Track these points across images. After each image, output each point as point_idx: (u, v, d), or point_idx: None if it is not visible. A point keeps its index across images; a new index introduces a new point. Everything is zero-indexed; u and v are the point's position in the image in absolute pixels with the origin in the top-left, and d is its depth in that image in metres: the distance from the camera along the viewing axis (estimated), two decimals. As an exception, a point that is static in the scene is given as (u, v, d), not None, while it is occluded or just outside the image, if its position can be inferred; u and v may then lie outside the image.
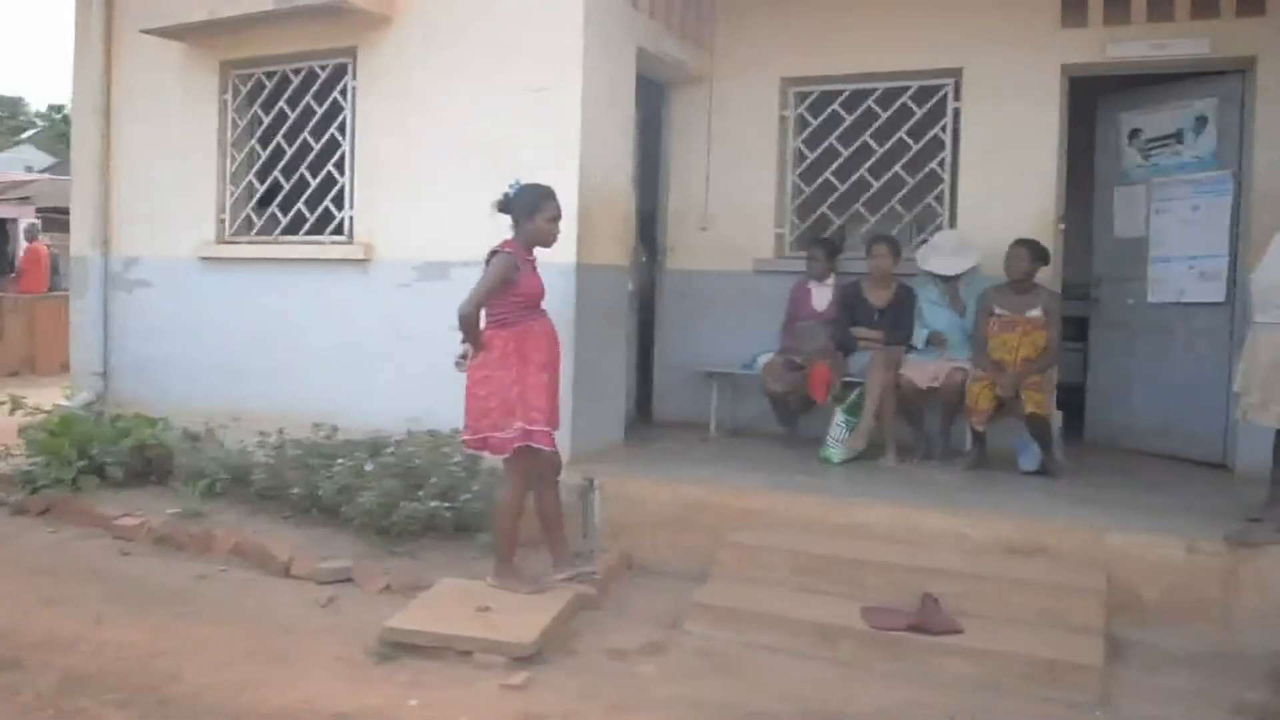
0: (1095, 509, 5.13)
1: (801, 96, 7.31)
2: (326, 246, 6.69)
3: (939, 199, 6.93)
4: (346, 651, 4.30)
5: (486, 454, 4.91)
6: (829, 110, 7.16)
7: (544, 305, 4.96)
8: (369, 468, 5.61)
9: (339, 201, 6.71)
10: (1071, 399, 7.03)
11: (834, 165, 7.17)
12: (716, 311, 7.41)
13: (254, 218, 7.21)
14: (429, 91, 6.26)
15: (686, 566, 5.17)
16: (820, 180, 7.25)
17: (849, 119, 7.08)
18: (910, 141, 6.93)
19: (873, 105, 7.01)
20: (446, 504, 5.50)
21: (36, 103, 40.68)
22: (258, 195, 7.20)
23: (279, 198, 7.06)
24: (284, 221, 6.98)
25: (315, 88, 6.80)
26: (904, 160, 6.97)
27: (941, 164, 6.90)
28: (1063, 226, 6.71)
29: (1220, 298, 6.35)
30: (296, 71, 6.87)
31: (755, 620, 4.52)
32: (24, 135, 33.43)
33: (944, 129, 6.87)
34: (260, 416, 6.54)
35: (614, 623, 4.69)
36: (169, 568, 5.40)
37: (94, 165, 7.46)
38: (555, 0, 5.83)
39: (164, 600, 4.89)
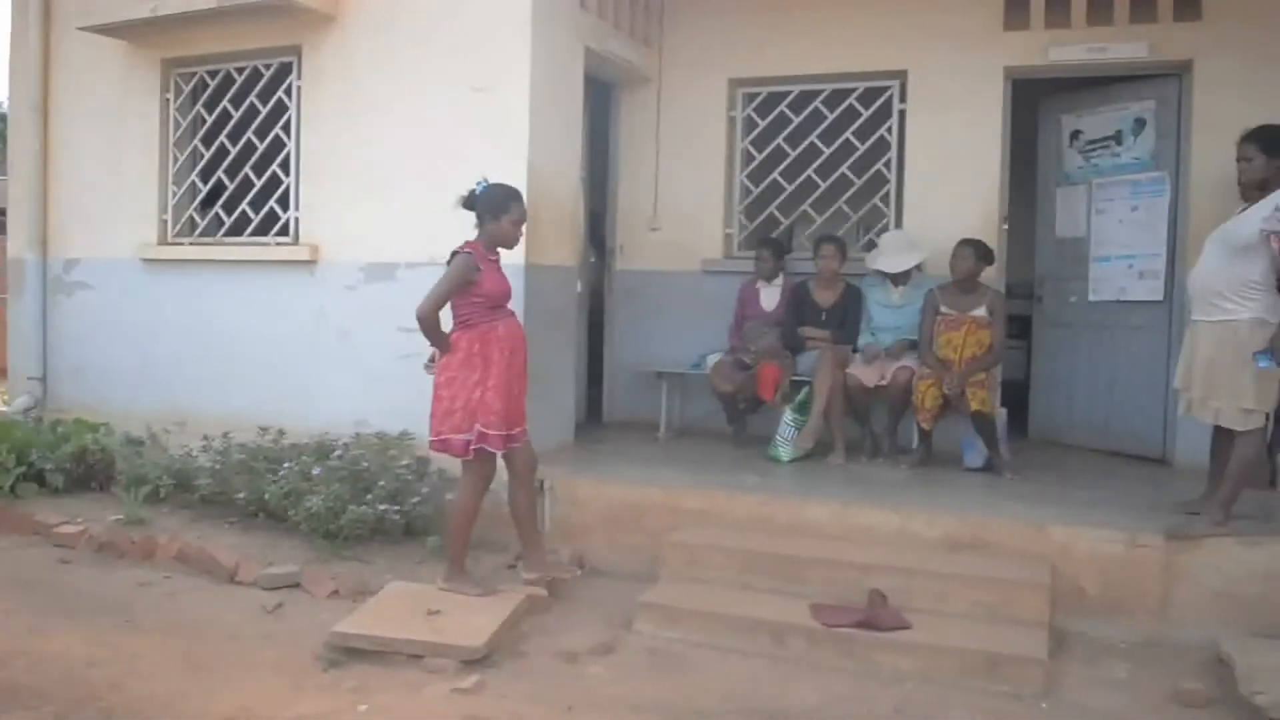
0: (1039, 504, 5.21)
1: (749, 97, 7.35)
2: (271, 248, 6.62)
3: (885, 199, 7.00)
4: (293, 658, 4.25)
5: (448, 455, 4.83)
6: (776, 111, 7.20)
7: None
8: (316, 471, 5.54)
9: (284, 202, 6.64)
10: (1016, 396, 7.13)
11: (782, 166, 7.22)
12: (666, 311, 7.43)
13: (197, 219, 7.11)
14: (375, 91, 6.21)
15: (637, 567, 5.19)
16: (768, 180, 7.30)
17: (796, 120, 7.13)
18: (857, 142, 6.99)
19: (820, 106, 7.07)
20: (395, 507, 5.46)
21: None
22: (201, 196, 7.10)
23: (223, 198, 6.97)
24: (228, 223, 6.90)
25: (259, 87, 6.72)
26: (851, 161, 7.03)
27: (888, 165, 6.97)
28: (1006, 226, 6.81)
29: (1159, 296, 6.47)
30: (240, 70, 6.79)
31: (704, 619, 4.53)
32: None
33: (890, 130, 6.94)
34: (205, 420, 6.45)
35: (564, 624, 4.68)
36: (110, 576, 5.31)
37: (31, 165, 7.33)
38: (502, -1, 5.82)
39: (105, 609, 4.80)
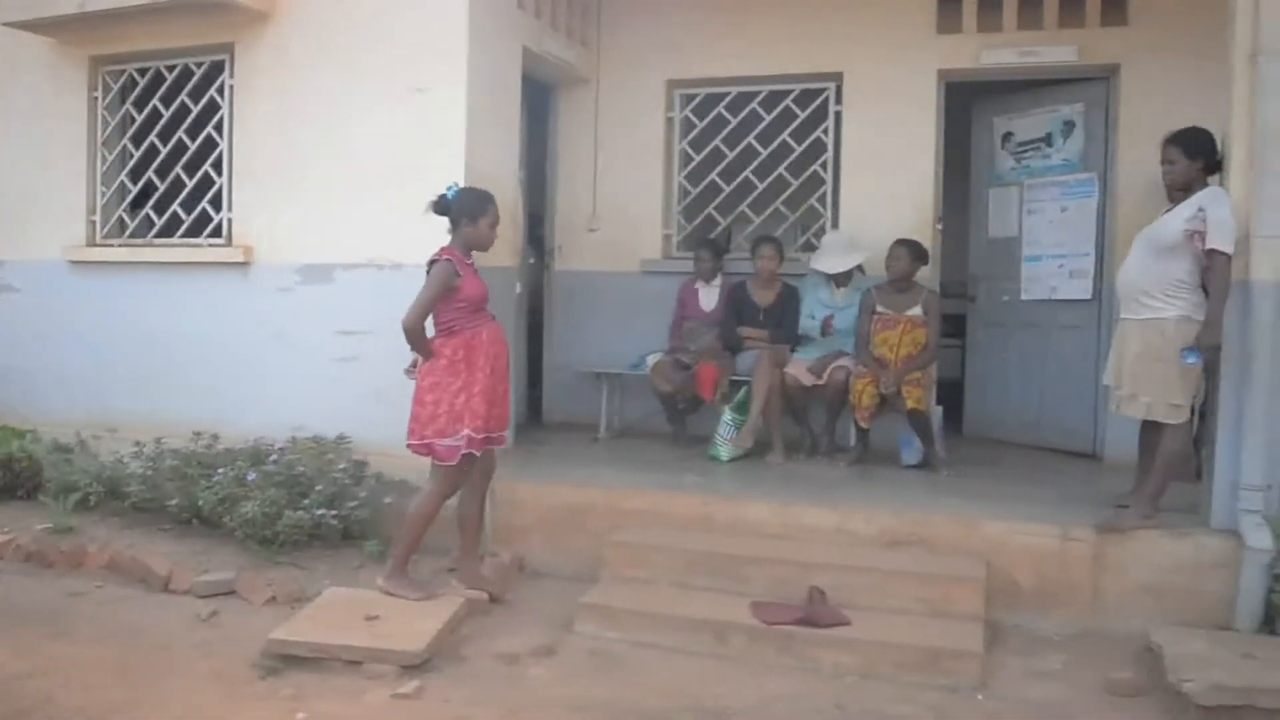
0: (974, 500, 5.29)
1: (687, 98, 7.38)
2: (204, 249, 6.50)
3: (822, 200, 7.07)
4: (229, 666, 4.18)
5: (434, 459, 4.81)
6: (714, 112, 7.24)
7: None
8: (251, 477, 5.46)
9: (216, 203, 6.53)
10: (951, 394, 7.24)
11: (720, 166, 7.26)
12: (605, 312, 7.43)
13: (127, 220, 6.96)
14: (310, 90, 6.13)
15: (578, 568, 5.18)
16: (706, 181, 7.33)
17: (734, 121, 7.17)
18: (794, 144, 7.06)
19: (757, 108, 7.12)
20: (332, 512, 5.40)
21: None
22: (131, 196, 6.94)
23: (153, 199, 6.82)
24: (159, 224, 6.75)
25: (191, 85, 6.60)
26: (788, 162, 7.10)
27: (824, 165, 7.04)
28: (940, 227, 6.91)
29: (1088, 295, 6.61)
30: (171, 68, 6.66)
31: (645, 619, 4.54)
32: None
33: (826, 131, 7.02)
34: (136, 426, 6.31)
35: (505, 626, 4.66)
36: (39, 586, 5.17)
37: (-47, 165, 7.12)
38: (439, -1, 5.78)
39: (35, 620, 4.68)
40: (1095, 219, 6.58)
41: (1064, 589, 4.74)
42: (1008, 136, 7.09)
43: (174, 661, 4.24)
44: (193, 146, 6.59)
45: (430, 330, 4.75)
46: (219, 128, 6.49)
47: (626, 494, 5.40)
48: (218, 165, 6.50)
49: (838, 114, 6.97)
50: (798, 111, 7.04)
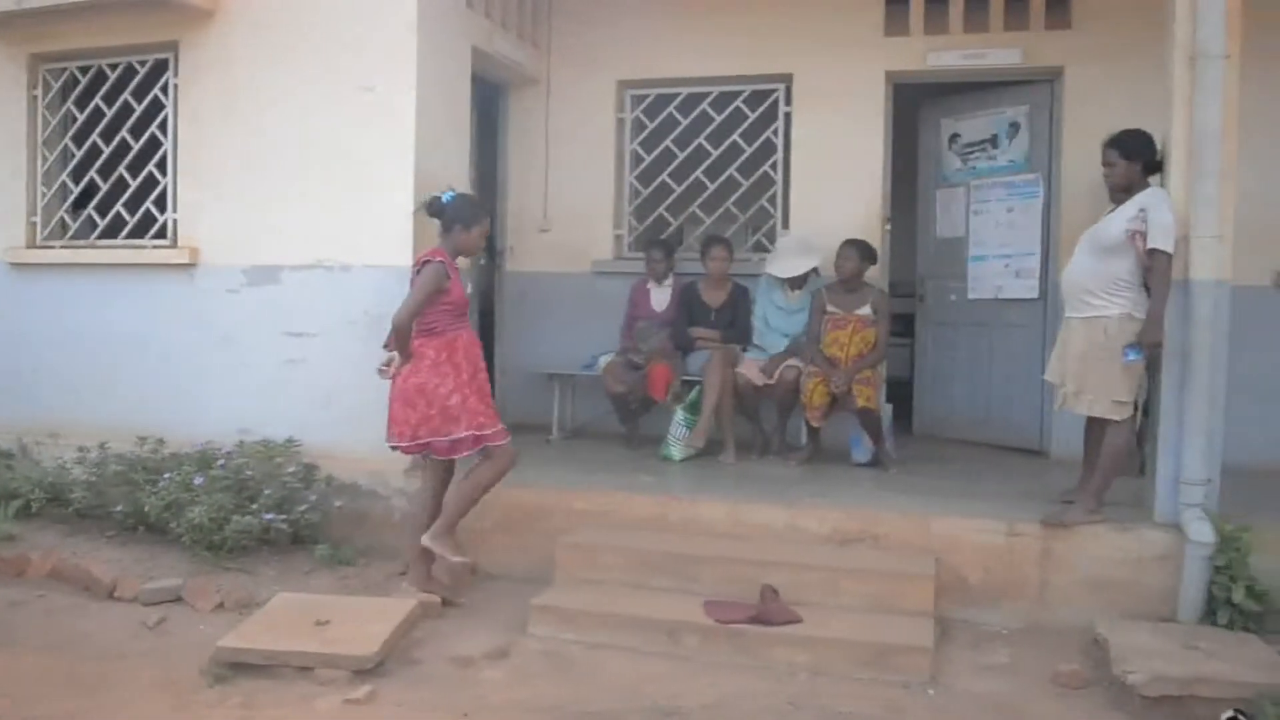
0: (923, 497, 5.35)
1: (638, 99, 7.39)
2: (148, 251, 6.40)
3: (772, 200, 7.12)
4: (177, 675, 4.12)
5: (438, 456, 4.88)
6: (665, 113, 7.26)
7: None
8: (198, 481, 5.38)
9: (161, 203, 6.42)
10: (900, 393, 7.31)
11: (670, 167, 7.28)
12: (556, 313, 7.42)
13: (69, 221, 6.83)
14: (256, 89, 6.05)
15: (531, 570, 5.16)
16: (657, 182, 7.35)
17: (684, 122, 7.19)
18: (744, 144, 7.09)
19: (707, 109, 7.15)
20: (282, 516, 5.34)
21: None
22: (73, 197, 6.82)
23: (96, 199, 6.70)
24: (102, 225, 6.63)
25: (134, 84, 6.49)
26: (738, 163, 7.13)
27: (774, 166, 7.08)
28: (889, 227, 6.98)
29: (1034, 294, 6.71)
30: (113, 66, 6.55)
31: (598, 620, 4.54)
32: None
33: (776, 132, 7.06)
34: (80, 431, 6.19)
35: (458, 629, 4.64)
36: (-21, 595, 5.07)
37: (-113, 165, 6.94)
38: (387, -3, 5.74)
39: (-26, 630, 4.59)
40: (1040, 219, 6.68)
41: (1012, 584, 4.81)
42: (954, 138, 7.17)
43: (121, 671, 4.17)
44: (136, 146, 6.48)
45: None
46: (163, 127, 6.39)
47: (579, 495, 5.40)
48: (162, 165, 6.40)
49: (787, 115, 7.01)
50: (748, 112, 7.07)
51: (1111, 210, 4.88)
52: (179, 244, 6.30)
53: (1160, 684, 3.85)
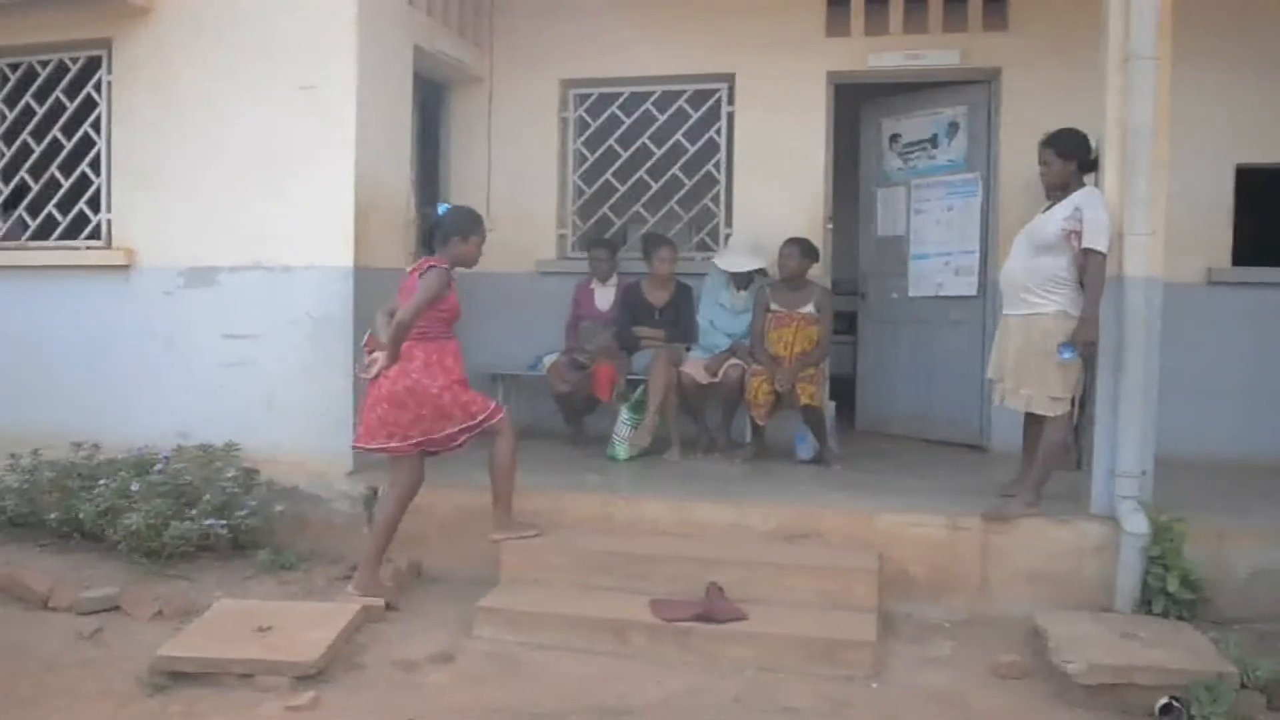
0: (867, 493, 5.41)
1: (581, 98, 7.39)
2: (82, 252, 6.26)
3: (715, 200, 7.15)
4: (114, 685, 4.03)
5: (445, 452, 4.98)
6: (608, 112, 7.26)
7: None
8: (135, 487, 5.27)
9: (95, 204, 6.30)
10: (843, 390, 7.39)
11: (614, 167, 7.27)
12: (501, 313, 7.37)
13: (-2, 221, 6.68)
14: (192, 87, 5.95)
15: (476, 572, 5.10)
16: (601, 181, 7.34)
17: (628, 121, 7.20)
18: (687, 144, 7.11)
19: (651, 108, 7.16)
20: (222, 522, 5.26)
21: None
22: (2, 198, 6.64)
23: (27, 200, 6.55)
24: (33, 226, 6.48)
25: (66, 81, 6.36)
26: (681, 162, 7.14)
27: (717, 166, 7.11)
28: (831, 226, 7.05)
29: (973, 291, 6.81)
30: (44, 64, 6.40)
31: (544, 621, 4.53)
32: None
33: (719, 132, 7.09)
34: (12, 437, 6.02)
35: (402, 633, 4.59)
36: (-93, 608, 4.93)
37: None
38: (327, -5, 5.68)
39: (-98, 643, 4.46)
40: (979, 218, 6.78)
41: (954, 577, 4.87)
42: (895, 137, 7.25)
43: (58, 682, 4.07)
44: (69, 145, 6.34)
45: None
46: (96, 126, 6.26)
47: (524, 495, 5.35)
48: (95, 165, 6.27)
49: (730, 114, 7.04)
50: (691, 112, 7.09)
51: (1047, 208, 4.96)
52: (114, 245, 6.18)
53: (1098, 673, 3.93)
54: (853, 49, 6.81)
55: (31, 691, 3.98)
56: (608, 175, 7.30)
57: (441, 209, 5.02)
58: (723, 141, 7.08)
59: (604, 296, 6.87)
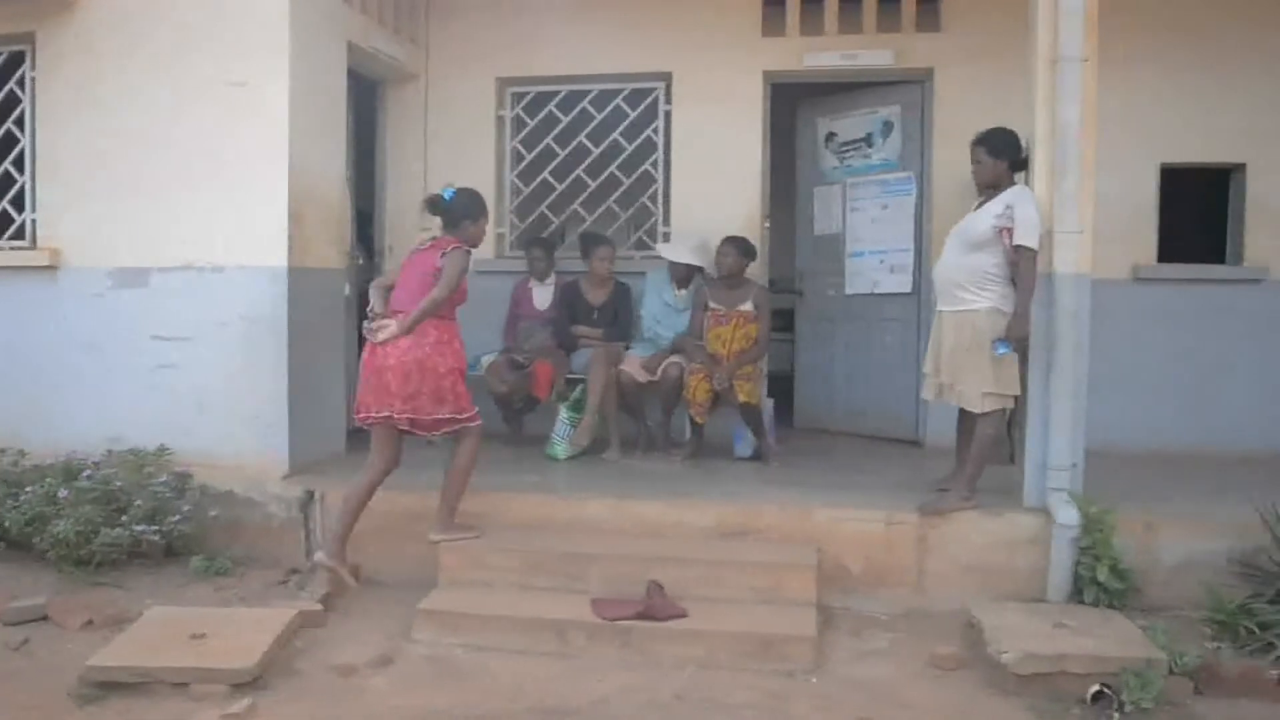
0: (804, 489, 5.45)
1: (518, 96, 7.35)
2: (5, 253, 6.11)
3: (653, 199, 7.16)
4: (45, 698, 3.93)
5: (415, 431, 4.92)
6: (545, 111, 7.23)
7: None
8: (63, 494, 5.16)
9: (19, 203, 6.14)
10: (781, 387, 7.44)
11: (551, 165, 7.25)
12: (439, 313, 7.30)
13: (-84, 222, 6.48)
14: (120, 83, 5.82)
15: (413, 574, 5.05)
16: (538, 180, 7.31)
17: (565, 120, 7.18)
18: (625, 142, 7.11)
19: (588, 107, 7.14)
20: (154, 528, 5.16)
21: None
22: (-80, 197, 6.47)
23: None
24: (-47, 226, 6.31)
25: (-14, 78, 6.20)
26: (619, 161, 7.14)
27: (655, 164, 7.12)
28: (768, 224, 7.09)
29: (908, 289, 6.90)
30: (-37, 60, 6.24)
31: (484, 622, 4.51)
32: None
33: (656, 131, 7.10)
34: (-68, 444, 5.88)
35: (340, 637, 4.54)
36: None
37: None
38: (258, -10, 5.58)
39: None
40: (913, 216, 6.87)
41: (890, 571, 4.94)
42: (831, 136, 7.32)
43: (-18, 695, 3.97)
44: (-9, 143, 6.19)
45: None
46: (20, 122, 6.11)
47: (464, 496, 5.33)
48: (19, 163, 6.12)
49: (667, 113, 7.06)
50: (628, 111, 7.09)
51: (978, 205, 5.04)
52: (39, 245, 6.03)
53: (1031, 662, 4.00)
54: (789, 49, 6.86)
55: (-44, 705, 3.88)
56: (545, 174, 7.28)
57: (448, 193, 5.03)
58: (660, 140, 7.09)
59: (542, 295, 6.85)
